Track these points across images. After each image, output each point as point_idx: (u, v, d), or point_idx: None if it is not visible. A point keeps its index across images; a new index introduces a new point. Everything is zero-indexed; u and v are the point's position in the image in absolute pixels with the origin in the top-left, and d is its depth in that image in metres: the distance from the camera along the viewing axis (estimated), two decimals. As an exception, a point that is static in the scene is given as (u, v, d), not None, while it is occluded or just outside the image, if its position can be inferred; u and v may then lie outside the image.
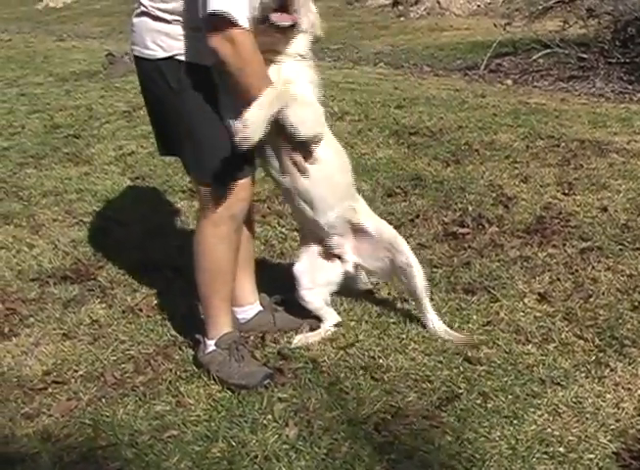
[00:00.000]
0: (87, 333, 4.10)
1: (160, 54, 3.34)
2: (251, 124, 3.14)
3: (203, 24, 3.13)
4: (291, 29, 3.40)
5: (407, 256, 3.84)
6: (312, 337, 3.88)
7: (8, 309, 4.41)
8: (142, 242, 5.13)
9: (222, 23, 3.08)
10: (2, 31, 22.50)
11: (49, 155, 7.53)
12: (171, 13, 3.28)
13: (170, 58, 3.33)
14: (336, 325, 3.95)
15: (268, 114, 3.20)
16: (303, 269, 3.92)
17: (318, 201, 3.67)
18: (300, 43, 3.50)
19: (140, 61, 3.46)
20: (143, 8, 3.38)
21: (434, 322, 3.86)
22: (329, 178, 3.66)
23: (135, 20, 3.45)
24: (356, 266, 3.98)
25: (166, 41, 3.32)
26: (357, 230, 3.88)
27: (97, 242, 5.22)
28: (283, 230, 5.09)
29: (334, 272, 3.98)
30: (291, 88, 3.36)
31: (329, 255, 3.95)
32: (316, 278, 3.93)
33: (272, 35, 3.37)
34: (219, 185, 3.43)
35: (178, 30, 3.29)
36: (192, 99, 3.34)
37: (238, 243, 3.59)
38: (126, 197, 6.08)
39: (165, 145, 3.67)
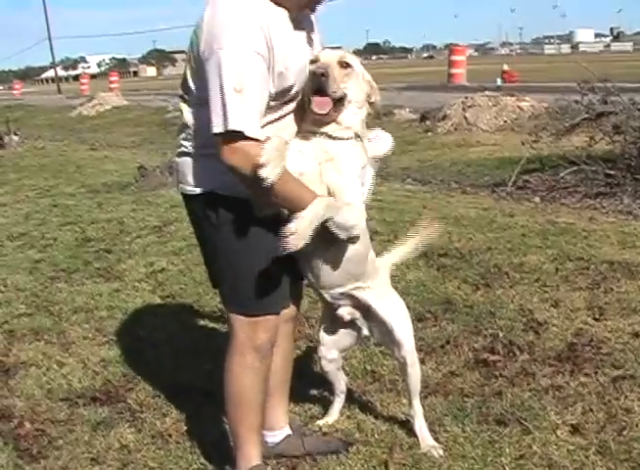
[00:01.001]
0: (116, 458, 4.09)
1: (201, 189, 3.43)
2: (298, 234, 3.15)
3: (215, 142, 3.18)
4: (337, 107, 3.40)
5: (406, 351, 3.92)
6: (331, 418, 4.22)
7: (37, 430, 4.40)
8: (172, 363, 5.13)
9: (237, 139, 3.13)
10: (36, 138, 23.04)
11: (80, 269, 7.64)
12: (209, 147, 3.35)
13: (210, 192, 3.41)
14: (343, 392, 4.29)
15: (315, 224, 3.21)
16: (324, 339, 4.08)
17: (324, 278, 3.66)
18: (352, 118, 3.46)
19: (185, 197, 3.56)
20: (184, 148, 3.48)
21: (422, 431, 4.00)
22: (341, 264, 3.64)
23: (177, 159, 3.54)
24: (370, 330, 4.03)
25: (206, 176, 3.41)
26: (365, 307, 3.89)
27: (127, 362, 5.23)
28: (313, 354, 5.09)
29: (350, 338, 4.10)
30: (339, 199, 3.34)
31: (343, 322, 3.98)
32: (335, 346, 4.08)
33: (316, 117, 3.40)
34: (248, 316, 3.49)
35: (217, 165, 3.34)
36: (230, 232, 3.41)
37: (265, 372, 3.60)
38: (157, 316, 6.12)
39: (211, 277, 3.74)
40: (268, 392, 3.76)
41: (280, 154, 3.15)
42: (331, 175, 3.40)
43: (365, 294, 3.83)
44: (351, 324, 4.00)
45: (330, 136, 3.44)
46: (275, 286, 3.52)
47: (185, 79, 3.41)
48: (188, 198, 3.54)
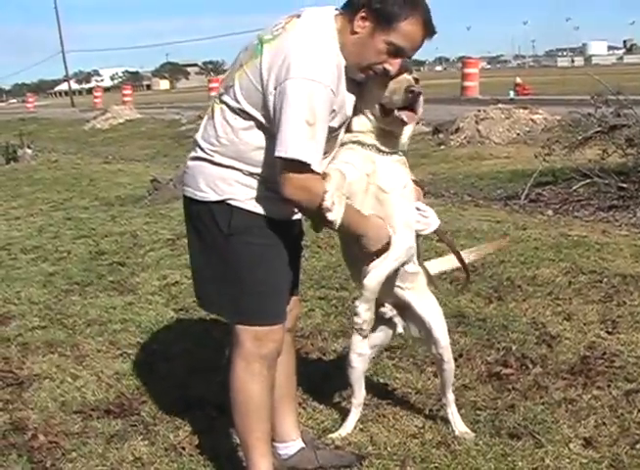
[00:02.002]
0: (130, 471, 4.09)
1: (213, 197, 3.43)
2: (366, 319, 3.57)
3: (277, 166, 3.23)
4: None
5: (442, 348, 4.11)
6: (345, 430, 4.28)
7: (51, 443, 4.40)
8: (185, 377, 5.14)
9: (296, 167, 3.18)
10: (49, 151, 23.11)
11: (94, 282, 7.66)
12: (229, 158, 3.38)
13: (222, 201, 3.42)
14: (360, 405, 4.35)
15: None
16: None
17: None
18: (407, 131, 3.65)
19: (191, 202, 3.54)
20: (200, 152, 3.48)
21: (454, 417, 4.21)
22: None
23: (190, 163, 3.55)
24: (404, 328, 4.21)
25: (220, 185, 3.41)
26: (405, 305, 4.05)
27: (141, 375, 5.24)
28: (326, 367, 5.10)
29: (383, 335, 4.25)
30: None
31: (381, 318, 4.09)
32: (368, 340, 4.14)
33: (392, 128, 3.58)
34: (253, 326, 3.50)
35: (233, 175, 3.38)
36: (240, 243, 3.42)
37: (271, 380, 3.61)
38: (170, 329, 6.13)
39: (200, 285, 3.73)
40: (275, 404, 3.77)
41: (341, 192, 3.32)
42: (377, 195, 3.58)
43: (407, 293, 3.99)
44: (388, 321, 4.14)
45: (377, 149, 3.58)
46: (280, 296, 3.55)
47: (232, 84, 3.40)
48: (194, 202, 3.52)
